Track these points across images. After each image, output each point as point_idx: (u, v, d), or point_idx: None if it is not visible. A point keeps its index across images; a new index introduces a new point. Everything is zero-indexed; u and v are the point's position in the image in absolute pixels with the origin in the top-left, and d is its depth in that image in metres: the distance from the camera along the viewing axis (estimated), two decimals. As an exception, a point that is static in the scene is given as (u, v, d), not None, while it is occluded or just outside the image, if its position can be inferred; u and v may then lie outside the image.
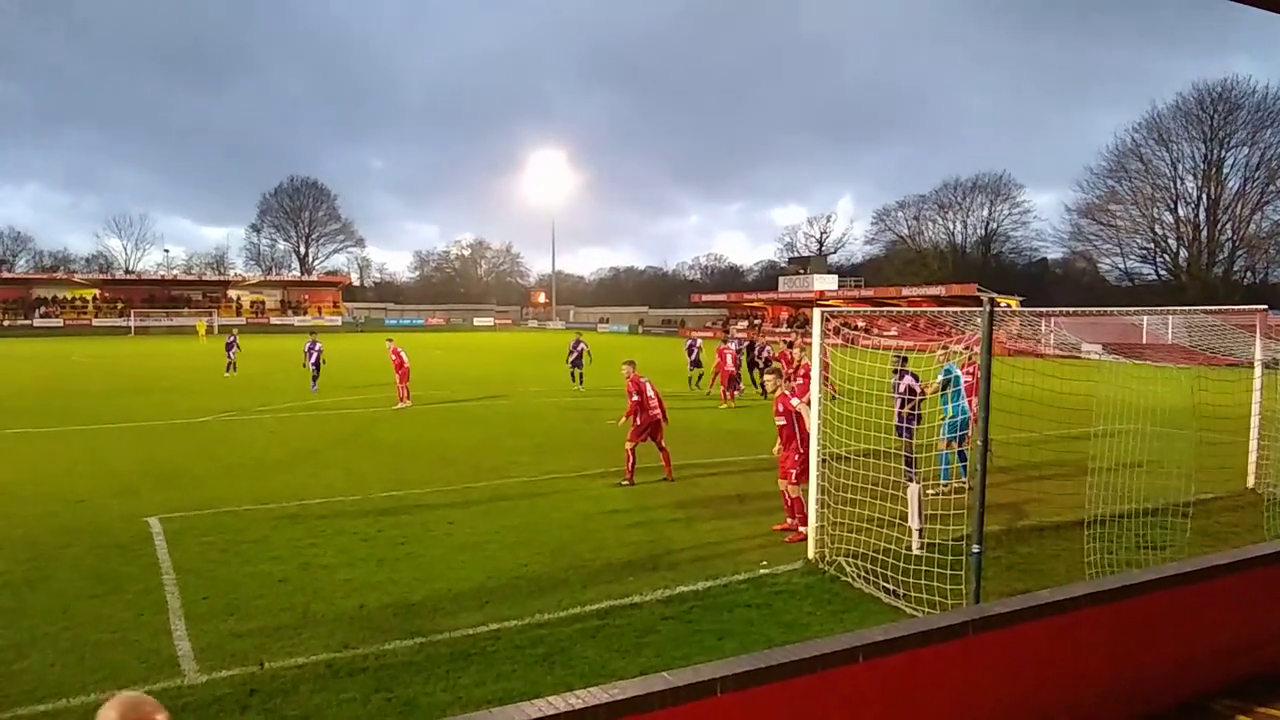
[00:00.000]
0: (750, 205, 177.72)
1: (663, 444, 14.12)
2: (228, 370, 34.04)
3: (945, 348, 12.25)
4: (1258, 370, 13.70)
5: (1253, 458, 13.69)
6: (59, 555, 9.99)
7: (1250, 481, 13.59)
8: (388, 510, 12.16)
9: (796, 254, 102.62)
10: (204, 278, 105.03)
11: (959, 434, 11.99)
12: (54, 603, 8.41)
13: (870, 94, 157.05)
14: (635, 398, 13.99)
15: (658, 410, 14.02)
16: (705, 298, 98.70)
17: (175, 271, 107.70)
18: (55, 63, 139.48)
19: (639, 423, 13.90)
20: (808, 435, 10.22)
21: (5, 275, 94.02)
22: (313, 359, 28.18)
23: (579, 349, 29.54)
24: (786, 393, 11.06)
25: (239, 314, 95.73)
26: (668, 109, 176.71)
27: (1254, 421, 13.64)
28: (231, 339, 35.27)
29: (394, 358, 24.69)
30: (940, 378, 11.62)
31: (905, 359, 13.05)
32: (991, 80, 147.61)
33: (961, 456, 12.22)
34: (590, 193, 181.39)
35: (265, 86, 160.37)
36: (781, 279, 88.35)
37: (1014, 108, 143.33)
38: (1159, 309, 14.47)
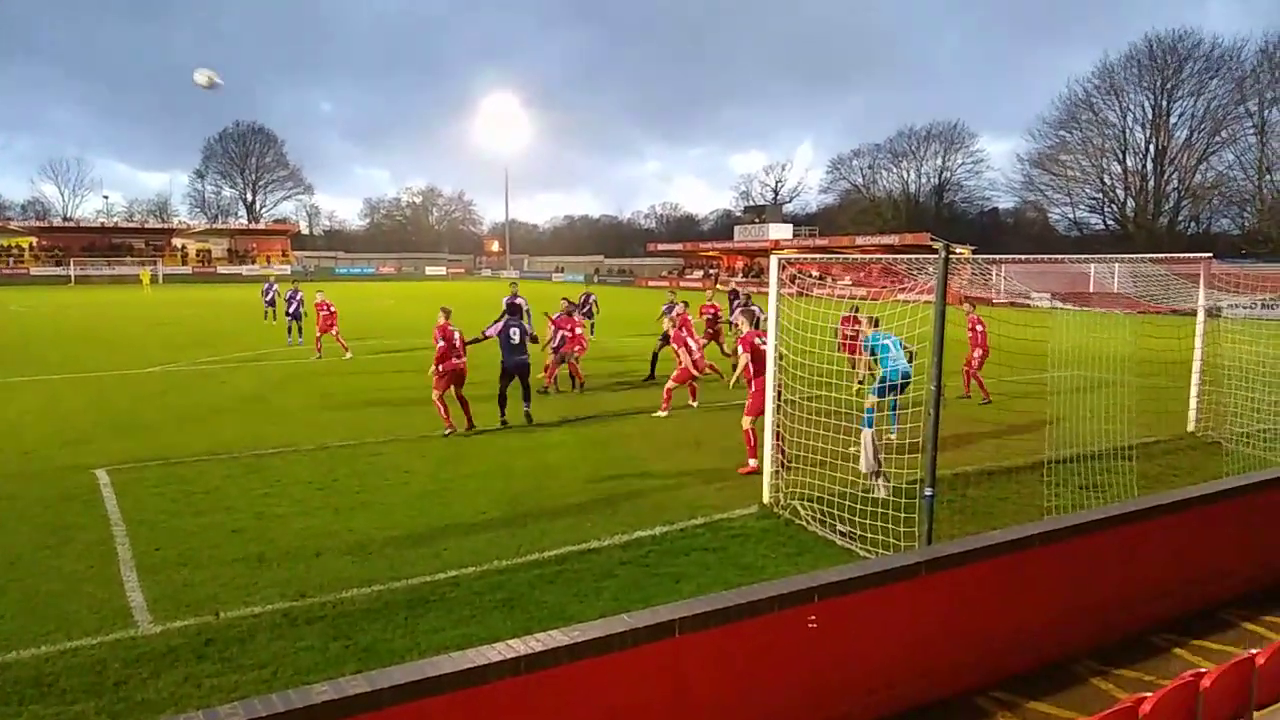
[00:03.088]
0: (711, 150, 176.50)
1: (462, 394, 13.92)
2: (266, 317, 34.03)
3: (872, 318, 12.16)
4: (1200, 317, 14.04)
5: (1193, 403, 14.08)
6: (6, 507, 9.78)
7: (1190, 425, 13.99)
8: (344, 459, 12.06)
9: (752, 203, 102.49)
10: (146, 225, 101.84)
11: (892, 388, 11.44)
12: (1, 555, 8.25)
13: (838, 35, 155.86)
14: (442, 344, 13.83)
15: (464, 360, 13.90)
16: (661, 247, 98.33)
17: (115, 219, 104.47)
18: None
19: (442, 370, 13.63)
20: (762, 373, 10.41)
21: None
22: (292, 309, 26.96)
23: (589, 300, 29.11)
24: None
25: (185, 263, 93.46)
26: (629, 50, 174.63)
27: (1195, 368, 14.01)
28: (270, 286, 34.87)
29: (322, 310, 23.71)
30: (870, 342, 11.62)
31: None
32: (962, 20, 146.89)
33: (893, 405, 12.08)
34: (547, 137, 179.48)
35: (207, 22, 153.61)
36: (737, 228, 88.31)
37: (985, 49, 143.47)
38: (1106, 257, 14.70)
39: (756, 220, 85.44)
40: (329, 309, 23.66)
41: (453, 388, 13.75)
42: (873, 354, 11.43)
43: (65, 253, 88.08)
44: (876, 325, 11.90)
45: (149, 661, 6.13)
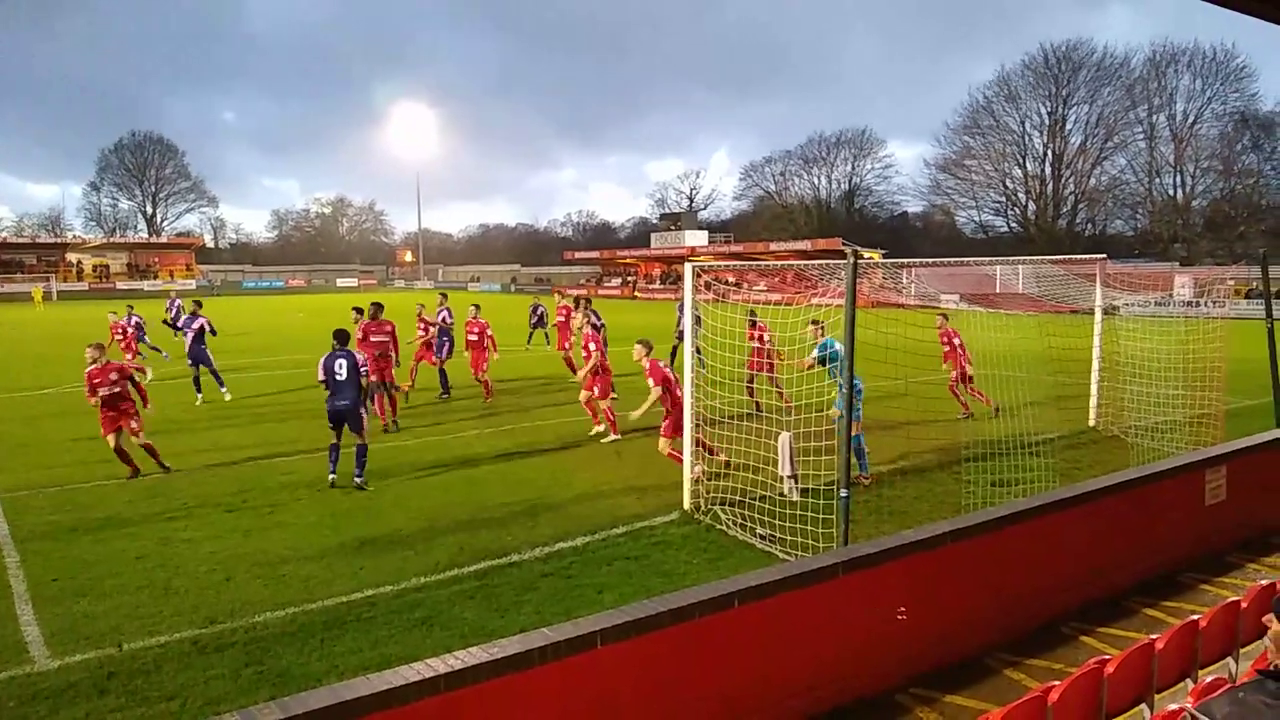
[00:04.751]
0: (628, 158, 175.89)
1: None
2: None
3: (817, 322, 11.28)
4: (1098, 316, 14.61)
5: (1093, 399, 14.64)
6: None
7: (1091, 420, 14.54)
8: (254, 478, 11.69)
9: (668, 210, 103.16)
10: (38, 240, 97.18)
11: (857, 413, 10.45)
12: (-121, 593, 7.76)
13: (751, 43, 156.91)
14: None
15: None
16: (578, 255, 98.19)
17: (4, 234, 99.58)
18: None
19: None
20: (678, 398, 10.42)
21: None
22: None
23: (540, 311, 29.44)
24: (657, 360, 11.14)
25: (81, 279, 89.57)
26: (543, 56, 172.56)
27: (1095, 364, 14.57)
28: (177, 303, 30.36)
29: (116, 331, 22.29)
30: (816, 353, 10.56)
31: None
32: (869, 28, 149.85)
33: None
34: (461, 146, 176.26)
35: (94, 24, 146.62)
36: (654, 235, 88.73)
37: (892, 57, 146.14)
38: (1010, 259, 15.21)
39: (673, 227, 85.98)
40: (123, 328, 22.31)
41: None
42: (824, 364, 10.52)
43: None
44: (822, 329, 10.91)
45: (46, 699, 5.83)
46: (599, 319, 17.04)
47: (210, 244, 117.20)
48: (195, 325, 18.61)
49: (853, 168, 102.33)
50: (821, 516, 8.19)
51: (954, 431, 11.08)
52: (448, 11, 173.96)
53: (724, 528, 9.22)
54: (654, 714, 4.75)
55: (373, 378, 13.00)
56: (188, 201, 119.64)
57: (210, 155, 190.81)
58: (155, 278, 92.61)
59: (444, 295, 20.72)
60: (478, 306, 18.78)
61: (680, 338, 21.65)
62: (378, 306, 15.63)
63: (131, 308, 24.43)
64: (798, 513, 8.51)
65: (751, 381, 14.10)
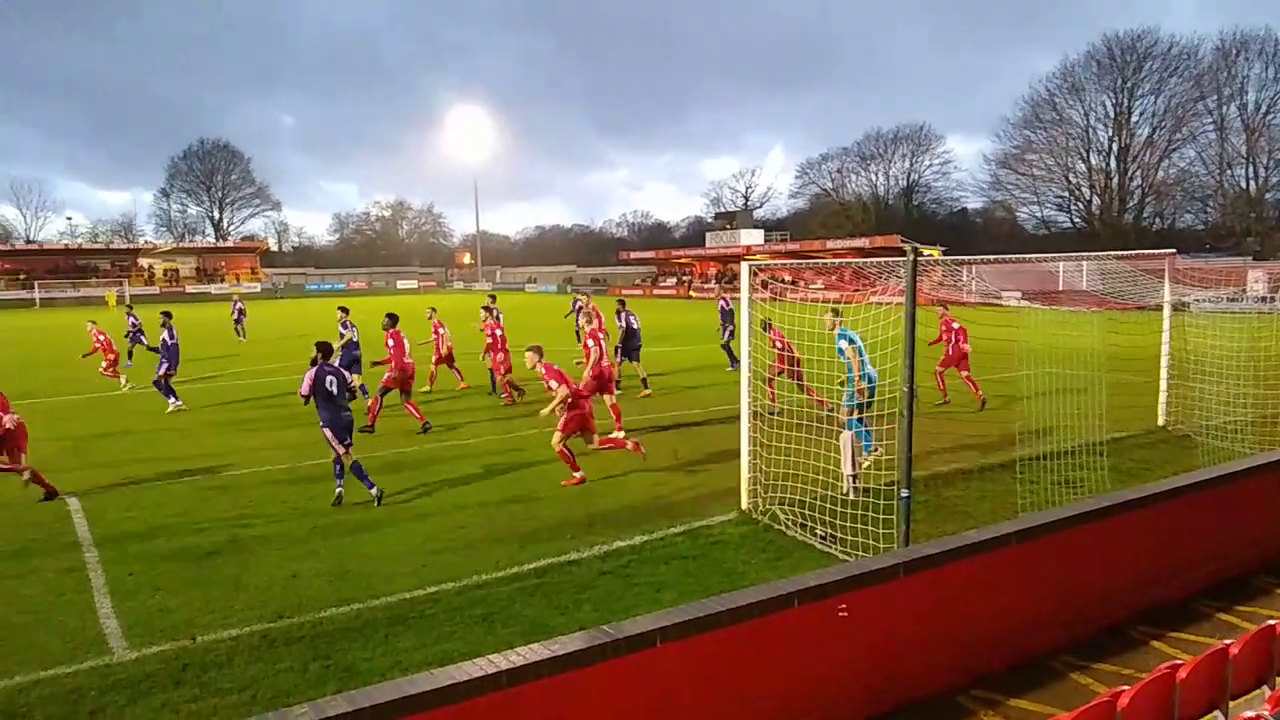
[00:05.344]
0: (681, 157, 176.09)
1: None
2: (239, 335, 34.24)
3: (837, 313, 10.86)
4: (1166, 313, 14.23)
5: (1162, 397, 14.26)
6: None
7: (1160, 419, 14.17)
8: (318, 478, 11.93)
9: (723, 209, 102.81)
10: (111, 246, 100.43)
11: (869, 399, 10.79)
12: (-32, 586, 8.11)
13: (806, 36, 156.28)
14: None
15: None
16: (633, 255, 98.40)
17: (80, 240, 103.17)
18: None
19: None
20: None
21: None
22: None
23: (578, 306, 29.78)
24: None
25: (151, 283, 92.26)
26: (595, 57, 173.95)
27: (1164, 362, 14.20)
28: (238, 305, 35.76)
29: (97, 339, 22.24)
30: (846, 344, 10.58)
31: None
32: (926, 22, 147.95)
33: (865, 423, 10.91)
34: (515, 147, 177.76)
35: (157, 34, 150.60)
36: (709, 234, 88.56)
37: (949, 51, 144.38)
38: (1074, 255, 14.86)
39: (728, 226, 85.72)
40: (105, 338, 22.39)
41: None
42: (844, 354, 10.60)
43: (30, 276, 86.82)
44: (840, 318, 10.91)
45: (125, 689, 6.04)
46: (600, 320, 16.79)
47: (274, 247, 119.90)
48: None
49: (910, 164, 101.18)
50: (882, 516, 8.12)
51: (1014, 431, 10.87)
52: (501, 14, 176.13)
53: (782, 528, 9.18)
54: (712, 713, 4.76)
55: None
56: (252, 206, 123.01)
57: (272, 159, 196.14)
58: (222, 281, 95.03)
59: (492, 298, 20.99)
60: (487, 309, 19.05)
61: (730, 334, 21.57)
62: (392, 318, 16.20)
63: (130, 308, 25.21)
64: (858, 513, 8.44)
65: (771, 383, 13.89)
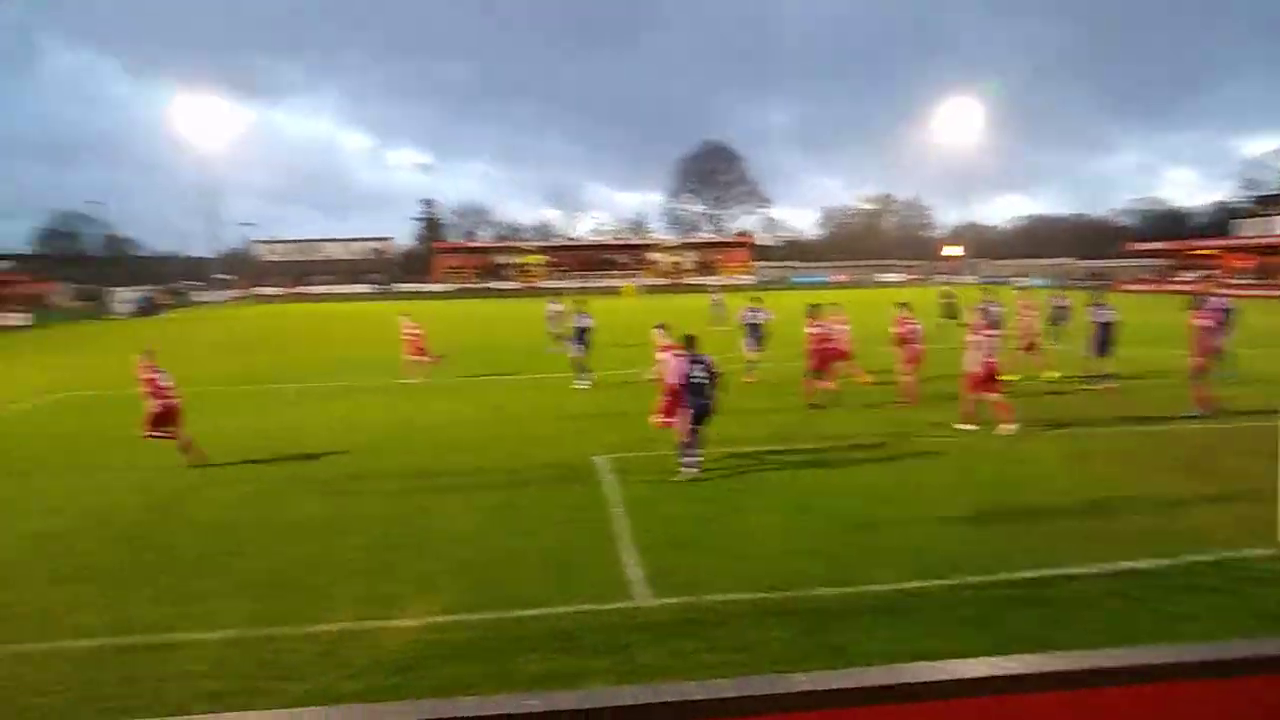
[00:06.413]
0: (1203, 135, 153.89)
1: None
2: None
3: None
4: None
5: None
6: (527, 481, 11.70)
7: None
8: (811, 459, 12.48)
9: (1261, 193, 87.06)
10: (629, 242, 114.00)
11: None
12: (524, 524, 9.82)
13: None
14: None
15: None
16: (1141, 247, 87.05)
17: (605, 237, 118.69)
18: (493, 44, 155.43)
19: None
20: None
21: (472, 245, 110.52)
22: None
23: (949, 301, 29.20)
24: None
25: (661, 275, 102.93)
26: (1095, 31, 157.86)
27: None
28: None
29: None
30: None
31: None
32: None
33: None
34: (1007, 134, 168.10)
35: (669, 45, 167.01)
36: (1240, 222, 75.62)
37: None
38: None
39: (1268, 213, 72.41)
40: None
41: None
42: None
43: (567, 268, 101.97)
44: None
45: (644, 630, 6.89)
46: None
47: (764, 241, 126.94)
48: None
49: None
50: None
51: None
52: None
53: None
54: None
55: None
56: (745, 203, 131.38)
57: (761, 157, 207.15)
58: (717, 274, 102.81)
59: (985, 290, 20.43)
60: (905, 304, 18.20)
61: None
62: (815, 307, 17.81)
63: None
64: None
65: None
